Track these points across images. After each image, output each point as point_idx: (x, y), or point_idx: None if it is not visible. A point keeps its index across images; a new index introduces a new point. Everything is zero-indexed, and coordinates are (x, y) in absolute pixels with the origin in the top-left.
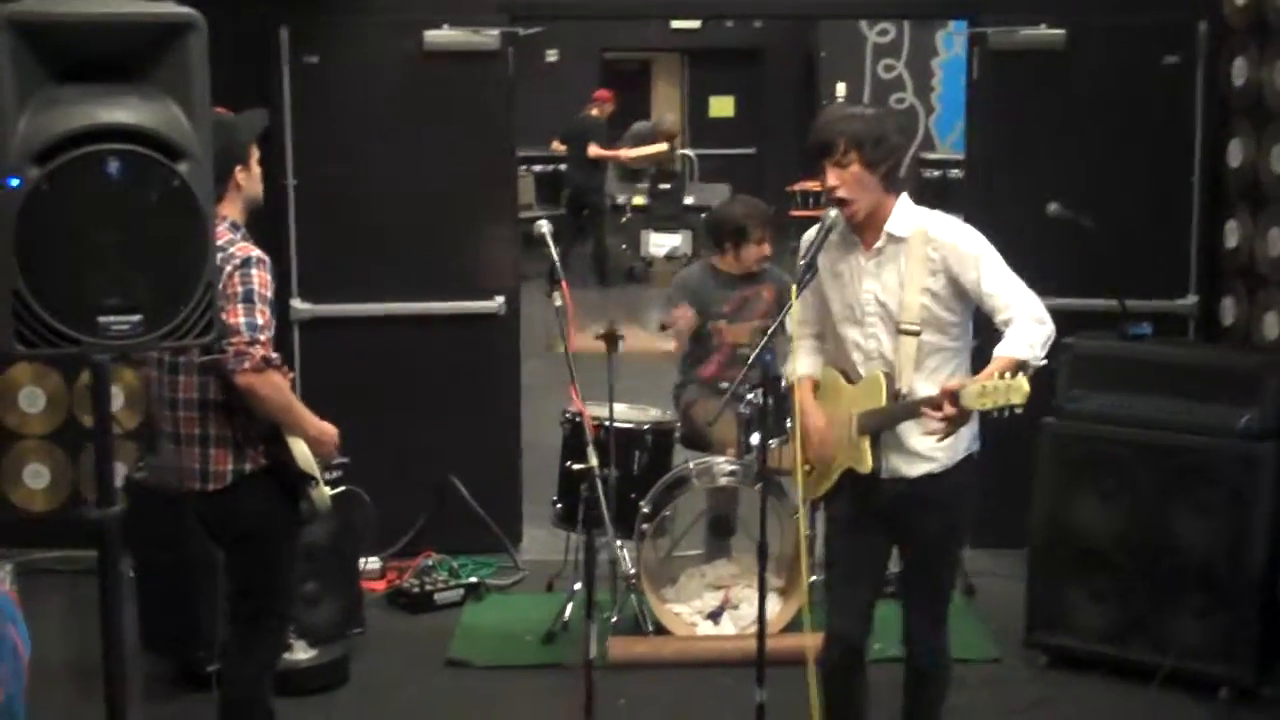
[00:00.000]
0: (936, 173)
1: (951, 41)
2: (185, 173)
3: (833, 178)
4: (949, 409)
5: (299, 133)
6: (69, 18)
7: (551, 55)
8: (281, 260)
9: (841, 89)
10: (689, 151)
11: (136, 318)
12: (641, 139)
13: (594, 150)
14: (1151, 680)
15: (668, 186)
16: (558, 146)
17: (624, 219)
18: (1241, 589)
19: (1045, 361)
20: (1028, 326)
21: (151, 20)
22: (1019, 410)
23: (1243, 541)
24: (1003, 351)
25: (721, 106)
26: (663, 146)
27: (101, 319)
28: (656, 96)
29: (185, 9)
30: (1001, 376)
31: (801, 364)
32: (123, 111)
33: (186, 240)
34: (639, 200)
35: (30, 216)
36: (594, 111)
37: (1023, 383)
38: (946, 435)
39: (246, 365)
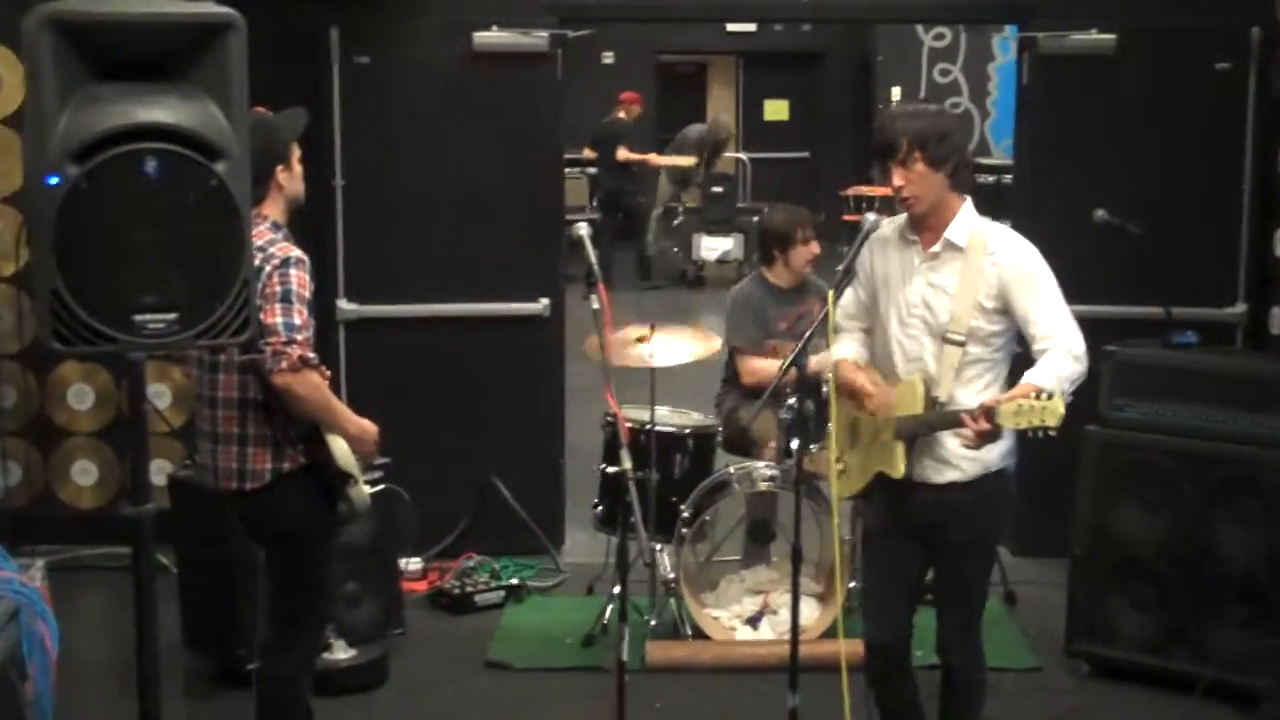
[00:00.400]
0: (991, 178)
1: (1008, 46)
2: (223, 172)
3: (899, 178)
4: (983, 424)
5: (348, 133)
6: (110, 17)
7: (607, 58)
8: (328, 260)
9: (897, 93)
10: (743, 155)
11: (172, 316)
12: (689, 143)
13: (622, 154)
14: (1192, 691)
15: (721, 190)
16: (588, 152)
17: (676, 222)
18: None
19: (1072, 398)
20: (1062, 359)
21: (191, 20)
22: (1053, 433)
23: None
24: (1031, 379)
25: (776, 110)
26: (691, 160)
27: (138, 317)
28: (712, 99)
29: (225, 9)
30: (1038, 397)
31: (841, 348)
32: (161, 111)
33: (223, 239)
34: (690, 202)
35: (69, 215)
36: (621, 114)
37: (1059, 404)
38: (977, 448)
39: (284, 365)
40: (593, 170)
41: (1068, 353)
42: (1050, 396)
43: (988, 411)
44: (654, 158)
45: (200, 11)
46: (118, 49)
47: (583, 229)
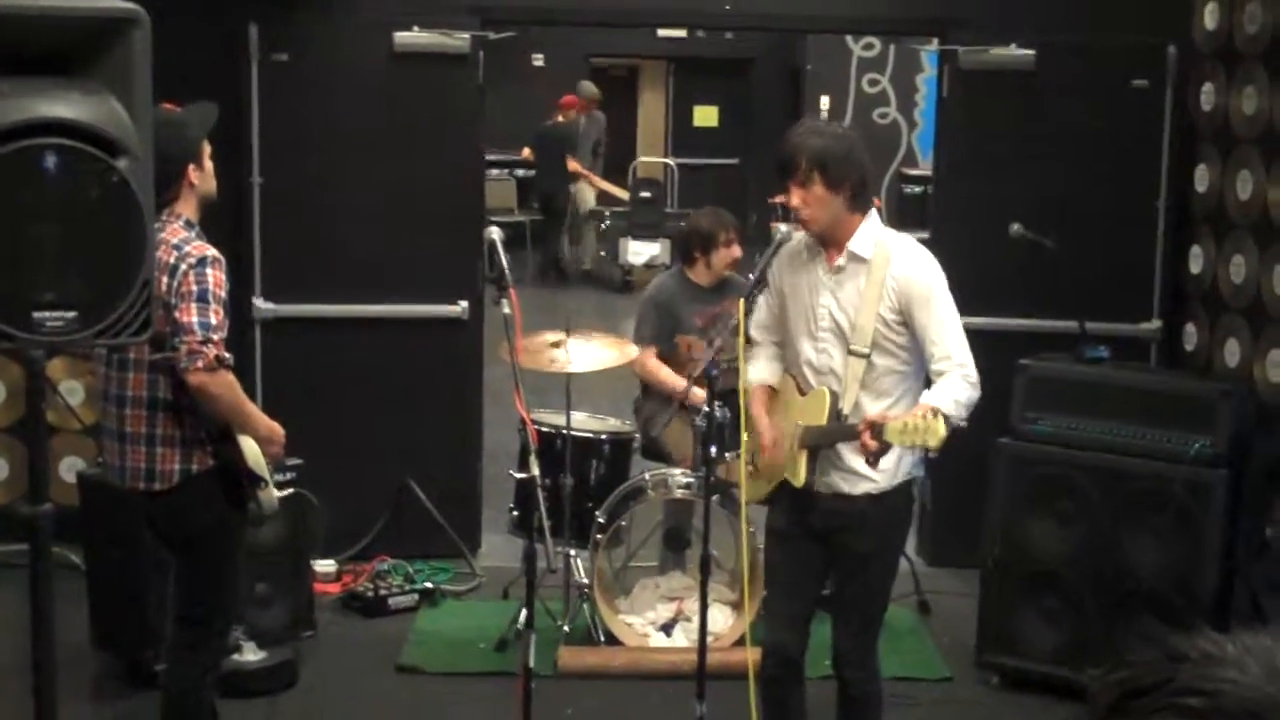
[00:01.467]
0: (918, 188)
1: (936, 58)
2: (124, 169)
3: (796, 197)
4: (870, 441)
5: (266, 131)
6: (9, 10)
7: (537, 60)
8: (244, 259)
9: (825, 102)
10: (671, 161)
11: (71, 314)
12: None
13: (574, 165)
14: None
15: (649, 195)
16: (527, 153)
17: (603, 226)
18: (1191, 614)
19: (965, 424)
20: (958, 384)
21: (93, 14)
22: (933, 454)
23: (1194, 567)
24: (928, 400)
25: (706, 116)
26: (624, 193)
27: (36, 314)
28: (643, 103)
29: (129, 4)
30: (924, 417)
31: (755, 370)
32: (62, 106)
33: (124, 238)
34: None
35: None
36: (560, 119)
37: (940, 426)
38: (870, 464)
39: (199, 364)
40: (521, 172)
41: (964, 379)
42: (937, 416)
43: (874, 427)
44: (597, 181)
45: (103, 6)
46: (17, 42)
47: (495, 233)
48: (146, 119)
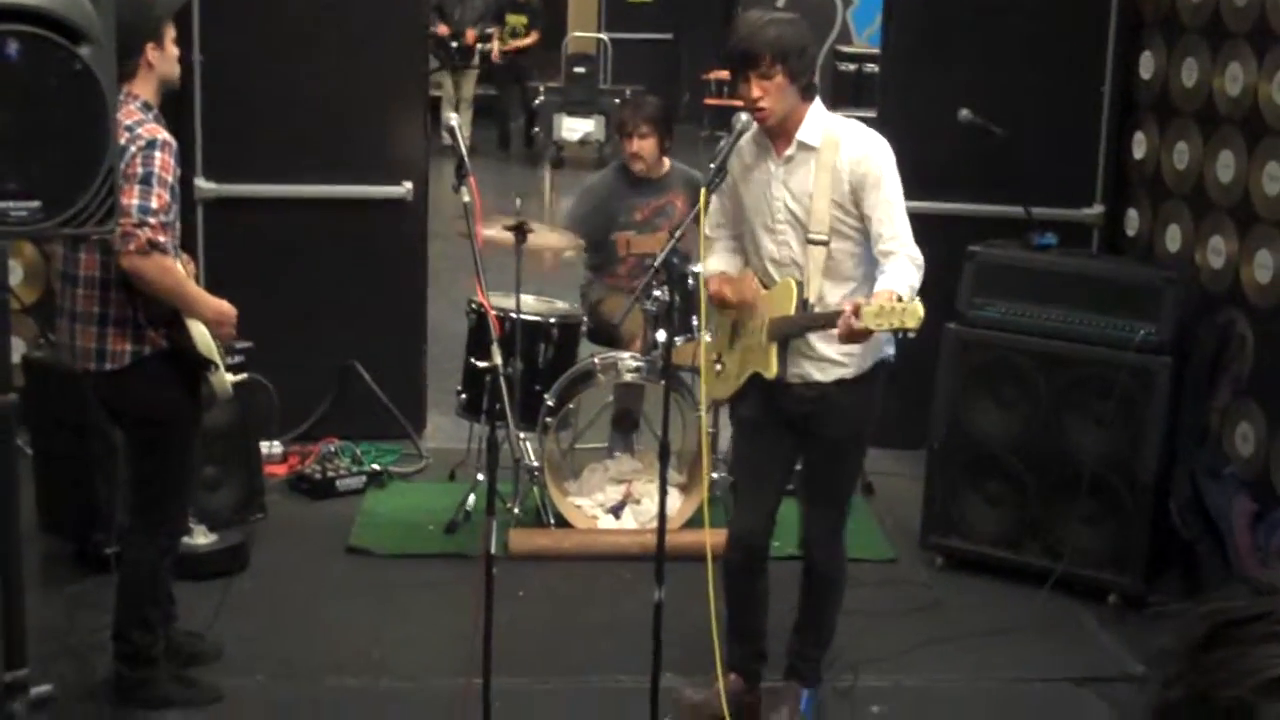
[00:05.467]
0: (852, 66)
1: None
2: (87, 56)
3: (757, 89)
4: (852, 323)
5: (207, 9)
6: None
7: None
8: (186, 138)
9: None
10: (604, 36)
11: (35, 204)
12: None
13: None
14: (1043, 584)
15: (583, 71)
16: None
17: (536, 101)
18: (1133, 499)
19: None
20: (907, 267)
21: None
22: (912, 334)
23: (1136, 453)
24: (888, 285)
25: None
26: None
27: (0, 204)
28: None
29: None
30: (899, 299)
31: (714, 262)
32: None
33: (87, 126)
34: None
35: None
36: None
37: (918, 306)
38: (847, 344)
39: (131, 247)
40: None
41: (911, 261)
42: (914, 299)
43: (855, 310)
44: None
45: None
46: None
47: (453, 119)
48: (109, 6)
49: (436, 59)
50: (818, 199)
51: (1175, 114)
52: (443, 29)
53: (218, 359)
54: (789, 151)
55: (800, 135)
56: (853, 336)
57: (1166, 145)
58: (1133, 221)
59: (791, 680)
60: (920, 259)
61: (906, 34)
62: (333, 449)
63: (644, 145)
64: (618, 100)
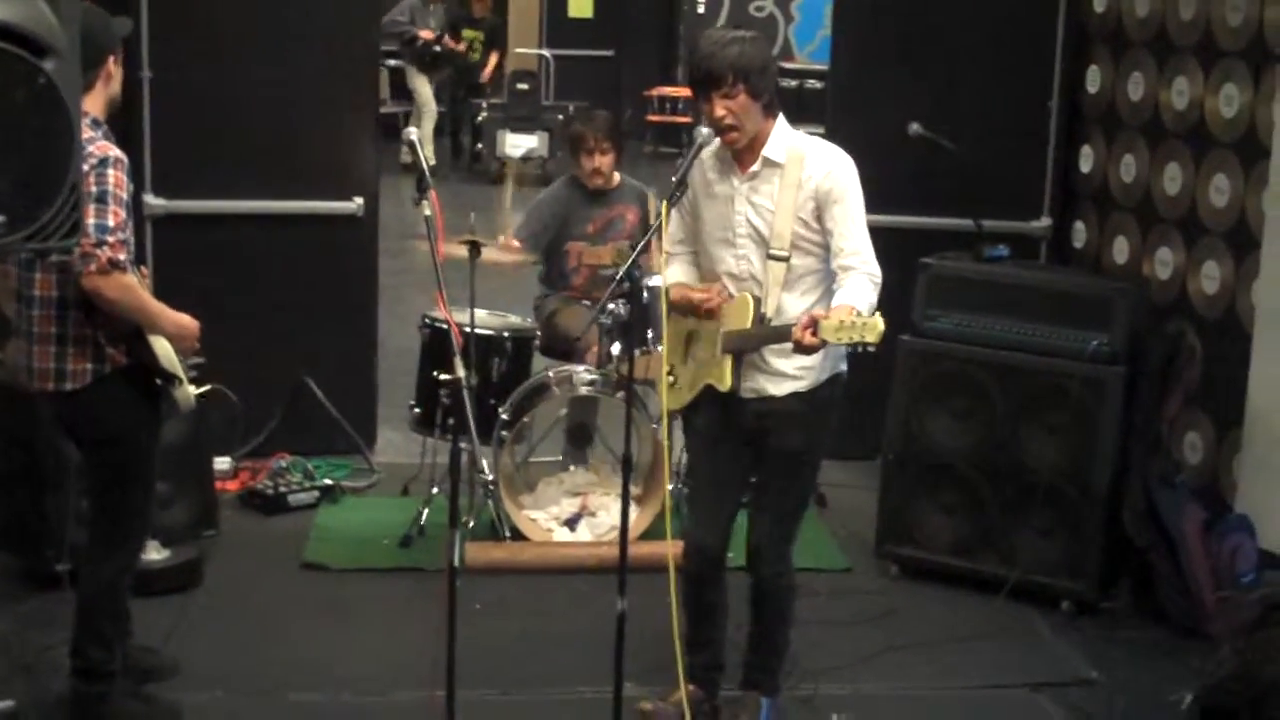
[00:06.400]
0: (794, 83)
1: None
2: (51, 71)
3: (720, 108)
4: (809, 337)
5: (156, 25)
6: None
7: None
8: (135, 155)
9: None
10: (546, 52)
11: None
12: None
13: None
14: (998, 592)
15: (525, 87)
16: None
17: (479, 118)
18: (1086, 507)
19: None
20: (864, 284)
21: None
22: (872, 349)
23: (1089, 462)
24: (846, 301)
25: (580, 7)
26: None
27: None
28: None
29: None
30: (859, 314)
31: (674, 272)
32: None
33: (51, 140)
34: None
35: None
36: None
37: (878, 322)
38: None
39: (92, 267)
40: (393, 63)
41: (869, 278)
42: (874, 314)
43: (813, 325)
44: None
45: None
46: None
47: (413, 133)
48: (73, 20)
49: (415, 63)
50: (780, 215)
51: (1122, 127)
52: (426, 33)
53: (180, 373)
54: (754, 168)
55: (765, 152)
56: (807, 347)
57: (1114, 158)
58: (1080, 234)
59: (750, 690)
60: (879, 276)
61: (855, 49)
62: (284, 464)
63: (605, 160)
64: (560, 116)
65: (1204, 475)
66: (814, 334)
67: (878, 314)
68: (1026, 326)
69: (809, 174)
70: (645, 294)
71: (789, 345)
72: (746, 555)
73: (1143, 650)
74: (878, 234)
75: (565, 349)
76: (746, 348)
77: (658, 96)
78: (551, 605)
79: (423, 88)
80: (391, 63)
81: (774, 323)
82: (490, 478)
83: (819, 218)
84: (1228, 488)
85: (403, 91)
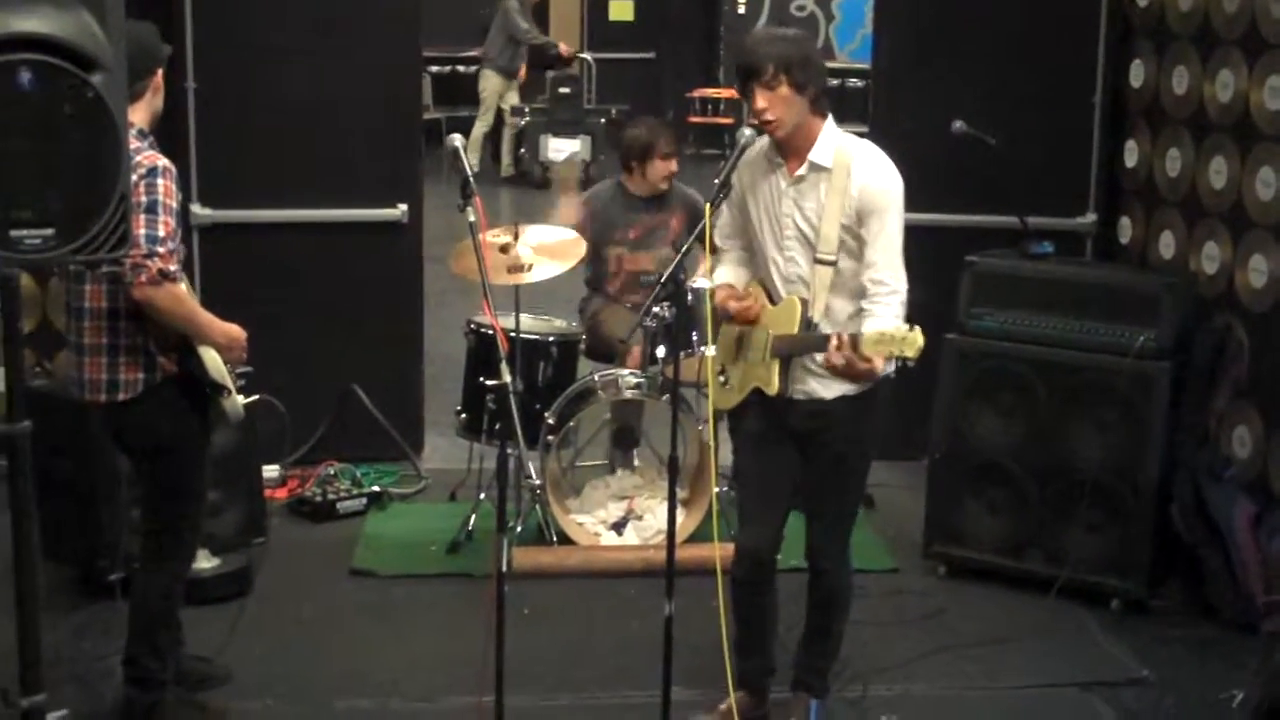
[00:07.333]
0: (835, 81)
1: None
2: (99, 84)
3: (761, 100)
4: (847, 352)
5: (200, 36)
6: None
7: None
8: (181, 165)
9: None
10: (587, 55)
11: (49, 231)
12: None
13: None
14: (1045, 591)
15: (568, 91)
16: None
17: (523, 123)
18: (1135, 504)
19: None
20: (895, 307)
21: None
22: (911, 363)
23: (1137, 459)
24: (880, 326)
25: (621, 10)
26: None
27: (13, 232)
28: None
29: None
30: (897, 328)
31: (721, 273)
32: (35, 21)
33: (100, 153)
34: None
35: None
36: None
37: (918, 336)
38: (838, 374)
39: (143, 278)
40: (435, 69)
41: (898, 297)
42: (913, 329)
43: (852, 339)
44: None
45: None
46: None
47: (456, 140)
48: (120, 34)
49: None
50: (827, 221)
51: (1167, 121)
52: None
53: (229, 383)
54: (800, 171)
55: (813, 155)
56: (852, 371)
57: (1159, 153)
58: (1125, 229)
59: (799, 692)
60: (905, 293)
61: (897, 47)
62: (332, 471)
63: (671, 165)
64: (603, 120)
65: (1253, 469)
66: (853, 348)
67: (918, 328)
68: (1072, 323)
69: (855, 181)
70: (690, 296)
71: (825, 357)
72: (807, 555)
73: (1194, 648)
74: (922, 232)
75: (610, 351)
76: (794, 352)
77: (699, 98)
78: (599, 609)
79: (511, 95)
80: (433, 69)
81: (823, 325)
82: (537, 482)
83: (860, 224)
84: (1278, 481)
85: (448, 97)
